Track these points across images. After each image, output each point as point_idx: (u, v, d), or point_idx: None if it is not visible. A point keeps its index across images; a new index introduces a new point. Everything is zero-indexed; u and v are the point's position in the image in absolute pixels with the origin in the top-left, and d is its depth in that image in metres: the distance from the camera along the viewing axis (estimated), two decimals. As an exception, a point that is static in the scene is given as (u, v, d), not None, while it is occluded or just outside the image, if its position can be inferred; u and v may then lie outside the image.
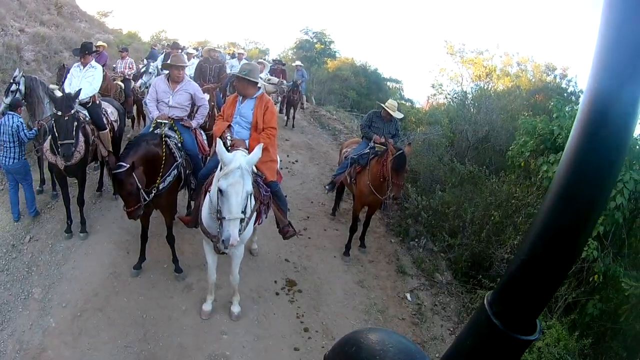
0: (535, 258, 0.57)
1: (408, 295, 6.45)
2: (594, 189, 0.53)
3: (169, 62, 5.77)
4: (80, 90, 5.78)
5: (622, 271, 5.60)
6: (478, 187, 8.29)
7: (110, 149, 6.57)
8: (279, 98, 13.97)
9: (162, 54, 12.70)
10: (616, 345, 5.57)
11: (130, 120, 10.33)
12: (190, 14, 61.49)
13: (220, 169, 3.98)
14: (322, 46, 30.51)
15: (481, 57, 17.19)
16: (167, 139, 5.23)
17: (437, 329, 5.95)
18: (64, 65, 9.24)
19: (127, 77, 10.05)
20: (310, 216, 8.10)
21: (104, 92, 8.22)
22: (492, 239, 6.95)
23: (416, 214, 8.06)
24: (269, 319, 5.38)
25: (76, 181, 6.33)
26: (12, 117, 6.10)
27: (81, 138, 5.80)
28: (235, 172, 3.84)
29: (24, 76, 6.69)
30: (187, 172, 5.53)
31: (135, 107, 10.17)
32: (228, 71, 10.36)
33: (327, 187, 7.71)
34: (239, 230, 3.93)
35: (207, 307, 5.18)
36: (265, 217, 5.06)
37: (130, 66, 10.41)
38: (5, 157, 6.10)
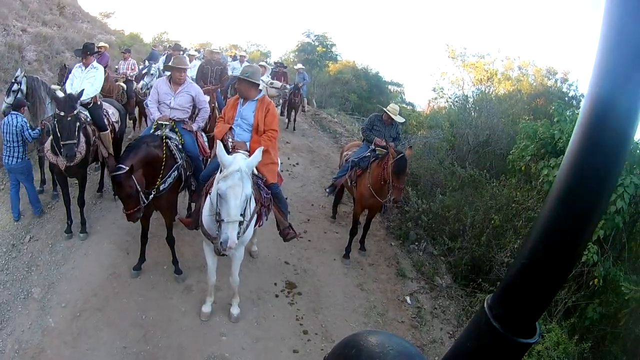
0: (536, 261, 0.57)
1: (408, 299, 6.44)
2: (594, 193, 0.53)
3: (170, 64, 5.77)
4: (82, 91, 5.79)
5: (622, 275, 5.60)
6: (478, 190, 8.30)
7: (111, 150, 6.58)
8: (280, 101, 13.98)
9: (163, 55, 12.72)
10: (616, 349, 5.57)
11: (131, 121, 10.35)
12: (192, 16, 61.52)
13: (221, 171, 3.98)
14: (324, 49, 30.54)
15: (482, 61, 17.21)
16: (167, 140, 5.22)
17: (436, 332, 5.94)
18: (65, 65, 9.26)
19: (129, 78, 10.07)
20: (310, 219, 8.10)
21: (107, 93, 8.25)
22: (492, 243, 6.94)
23: (416, 217, 8.06)
24: (268, 321, 5.37)
25: (77, 182, 6.34)
26: (16, 117, 6.12)
27: (82, 138, 5.81)
28: (235, 174, 3.84)
29: (25, 76, 6.71)
30: (188, 173, 5.53)
31: (137, 109, 10.19)
32: (229, 73, 10.39)
33: (327, 190, 7.72)
34: (238, 233, 3.93)
35: (206, 308, 5.17)
36: (266, 219, 5.06)
37: (133, 67, 10.43)
38: (9, 156, 6.12)
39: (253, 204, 4.42)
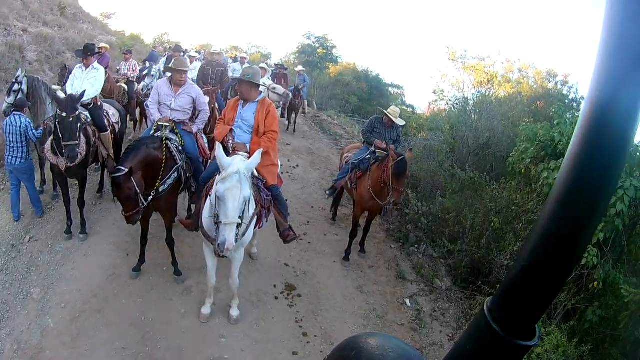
0: (536, 264, 0.58)
1: (407, 301, 6.44)
2: (594, 196, 0.53)
3: (171, 65, 5.78)
4: (84, 92, 5.79)
5: (622, 278, 5.59)
6: (478, 193, 8.29)
7: (111, 151, 6.58)
8: (280, 103, 13.99)
9: (164, 56, 12.73)
10: (615, 352, 5.56)
11: (132, 122, 10.35)
12: (192, 17, 61.59)
13: (220, 173, 3.98)
14: (324, 51, 30.51)
15: (483, 64, 17.18)
16: (167, 141, 5.23)
17: (436, 334, 5.93)
18: (66, 66, 9.28)
19: (130, 79, 10.08)
20: (310, 221, 8.10)
21: (108, 94, 8.26)
22: (492, 246, 6.94)
23: (416, 219, 8.05)
24: (268, 323, 5.37)
25: (77, 182, 6.34)
26: (20, 118, 6.14)
27: (82, 139, 5.80)
28: (233, 176, 3.83)
29: (26, 76, 6.71)
30: (188, 175, 5.53)
31: (138, 110, 10.19)
32: (230, 75, 10.39)
33: (327, 192, 7.71)
34: (236, 235, 3.92)
35: (206, 310, 5.16)
36: (266, 221, 5.06)
37: (134, 68, 10.45)
38: (13, 157, 6.14)
39: (253, 206, 4.42)
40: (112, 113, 7.01)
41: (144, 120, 10.28)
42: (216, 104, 8.24)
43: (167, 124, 5.43)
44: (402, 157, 5.99)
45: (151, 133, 5.45)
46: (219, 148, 3.97)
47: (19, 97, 6.42)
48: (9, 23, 11.95)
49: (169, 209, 5.42)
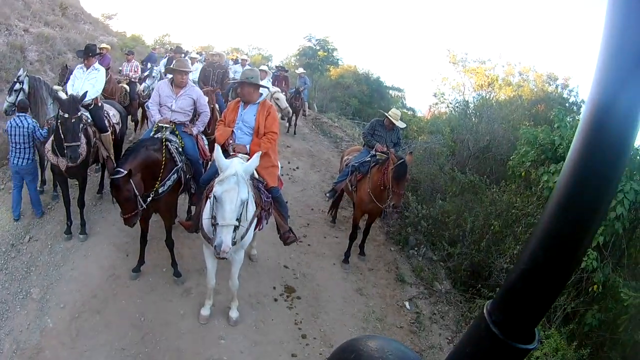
0: (536, 267, 0.57)
1: (407, 304, 6.43)
2: (594, 199, 0.53)
3: (172, 66, 5.79)
4: (86, 93, 5.81)
5: (622, 281, 5.58)
6: (478, 196, 8.29)
7: (112, 152, 6.58)
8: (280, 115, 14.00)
9: (165, 58, 12.74)
10: (615, 355, 5.55)
11: (134, 123, 10.36)
12: (194, 19, 61.72)
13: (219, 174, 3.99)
14: (325, 53, 30.54)
15: (483, 67, 17.17)
16: (167, 143, 5.23)
17: (435, 337, 5.93)
18: (66, 66, 9.28)
19: (132, 80, 10.09)
20: (310, 223, 8.10)
21: (109, 95, 8.26)
22: (491, 249, 6.94)
23: (416, 222, 8.05)
24: (267, 325, 5.36)
25: (77, 183, 6.34)
26: (26, 119, 6.18)
27: (83, 139, 5.81)
28: (231, 179, 3.84)
29: (27, 76, 6.73)
30: (188, 176, 5.53)
31: (140, 111, 10.20)
32: (231, 76, 10.41)
33: (327, 194, 7.71)
34: (234, 238, 3.92)
35: (205, 311, 5.16)
36: (266, 223, 5.06)
37: (136, 69, 10.45)
38: (20, 157, 6.16)
39: (253, 208, 4.42)
40: (112, 114, 7.02)
41: (145, 121, 10.30)
42: (216, 105, 8.25)
43: (168, 125, 5.43)
44: (403, 160, 5.99)
45: (151, 134, 5.45)
46: (217, 150, 3.98)
47: (19, 97, 6.43)
48: (11, 23, 11.96)
49: (168, 211, 5.42)
